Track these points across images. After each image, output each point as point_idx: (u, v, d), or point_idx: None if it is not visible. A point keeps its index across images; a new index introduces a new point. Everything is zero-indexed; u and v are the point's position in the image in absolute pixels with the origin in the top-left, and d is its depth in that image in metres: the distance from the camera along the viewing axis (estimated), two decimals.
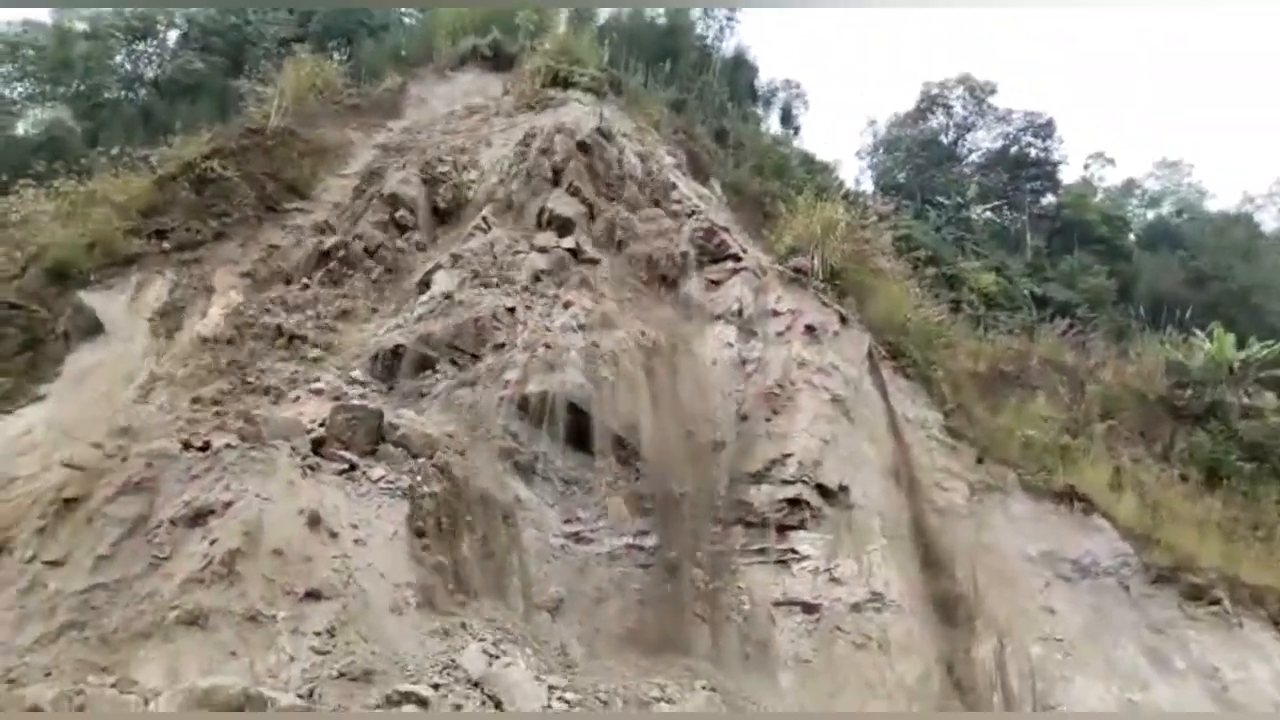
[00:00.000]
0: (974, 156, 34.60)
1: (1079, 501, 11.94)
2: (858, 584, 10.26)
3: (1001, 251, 28.21)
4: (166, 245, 12.91)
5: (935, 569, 11.02)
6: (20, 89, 30.07)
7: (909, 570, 10.83)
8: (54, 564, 7.58)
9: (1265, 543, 13.67)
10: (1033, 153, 33.67)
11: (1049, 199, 33.76)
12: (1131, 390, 17.73)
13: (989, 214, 30.03)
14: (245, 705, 5.96)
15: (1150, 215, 40.43)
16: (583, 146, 14.41)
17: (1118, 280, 28.46)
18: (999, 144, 34.13)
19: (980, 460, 12.56)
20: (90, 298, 11.79)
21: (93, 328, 11.65)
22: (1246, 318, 25.73)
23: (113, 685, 6.19)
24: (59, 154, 19.88)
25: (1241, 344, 18.40)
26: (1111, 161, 39.88)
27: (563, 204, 13.45)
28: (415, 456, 9.24)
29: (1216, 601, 10.82)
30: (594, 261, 12.84)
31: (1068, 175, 36.16)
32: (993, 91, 33.91)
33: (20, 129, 28.07)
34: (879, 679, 9.47)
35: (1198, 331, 19.46)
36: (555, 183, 13.91)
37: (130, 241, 12.84)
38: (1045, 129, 33.51)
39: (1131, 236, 35.27)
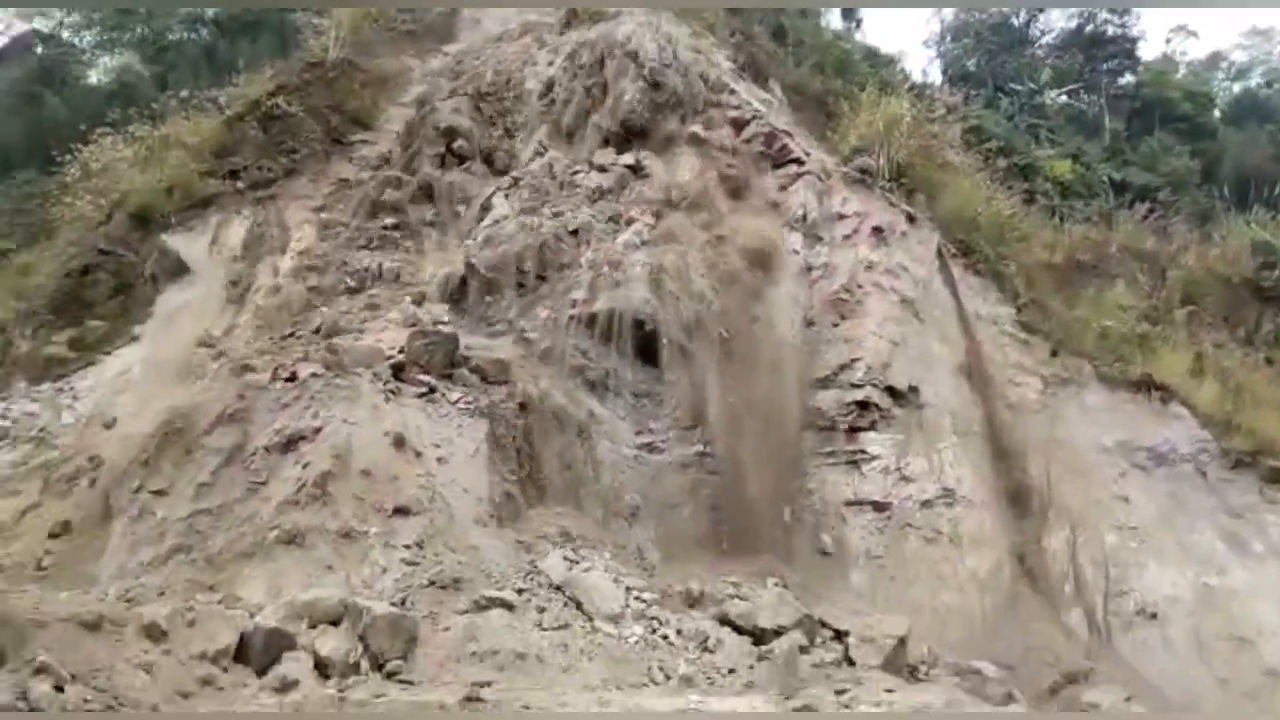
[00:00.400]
0: (1047, 38, 32.76)
1: (1156, 390, 11.69)
2: (928, 481, 10.38)
3: (1079, 137, 26.93)
4: (240, 185, 13.39)
5: (1008, 463, 11.04)
6: (88, 37, 30.77)
7: (981, 466, 10.88)
8: (159, 493, 8.19)
9: None
10: (1109, 30, 31.72)
11: (1128, 79, 31.92)
12: (1215, 274, 17.03)
13: (1064, 98, 28.56)
14: (344, 615, 6.42)
15: (1237, 88, 38.02)
16: (634, 57, 14.17)
17: (1202, 160, 27.04)
18: (1073, 23, 32.17)
19: (1055, 353, 12.36)
20: (173, 240, 12.35)
21: (178, 269, 12.24)
22: None
23: (219, 601, 6.71)
24: (131, 100, 20.39)
25: None
26: (1195, 34, 37.47)
27: (617, 120, 13.35)
28: (489, 381, 9.58)
29: None
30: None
31: (1148, 52, 34.11)
32: None
33: (93, 78, 28.88)
34: (950, 572, 9.67)
35: None
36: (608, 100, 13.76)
37: (206, 183, 13.35)
38: (1121, 4, 31.56)
39: (1217, 113, 33.23)
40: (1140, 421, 11.39)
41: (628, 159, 12.97)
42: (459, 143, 13.84)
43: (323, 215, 13.25)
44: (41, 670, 4.57)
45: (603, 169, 12.76)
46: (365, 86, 15.48)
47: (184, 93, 16.87)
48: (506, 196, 12.36)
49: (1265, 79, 39.10)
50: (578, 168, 12.85)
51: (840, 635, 8.06)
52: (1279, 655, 9.41)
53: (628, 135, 13.30)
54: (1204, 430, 11.17)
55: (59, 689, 4.53)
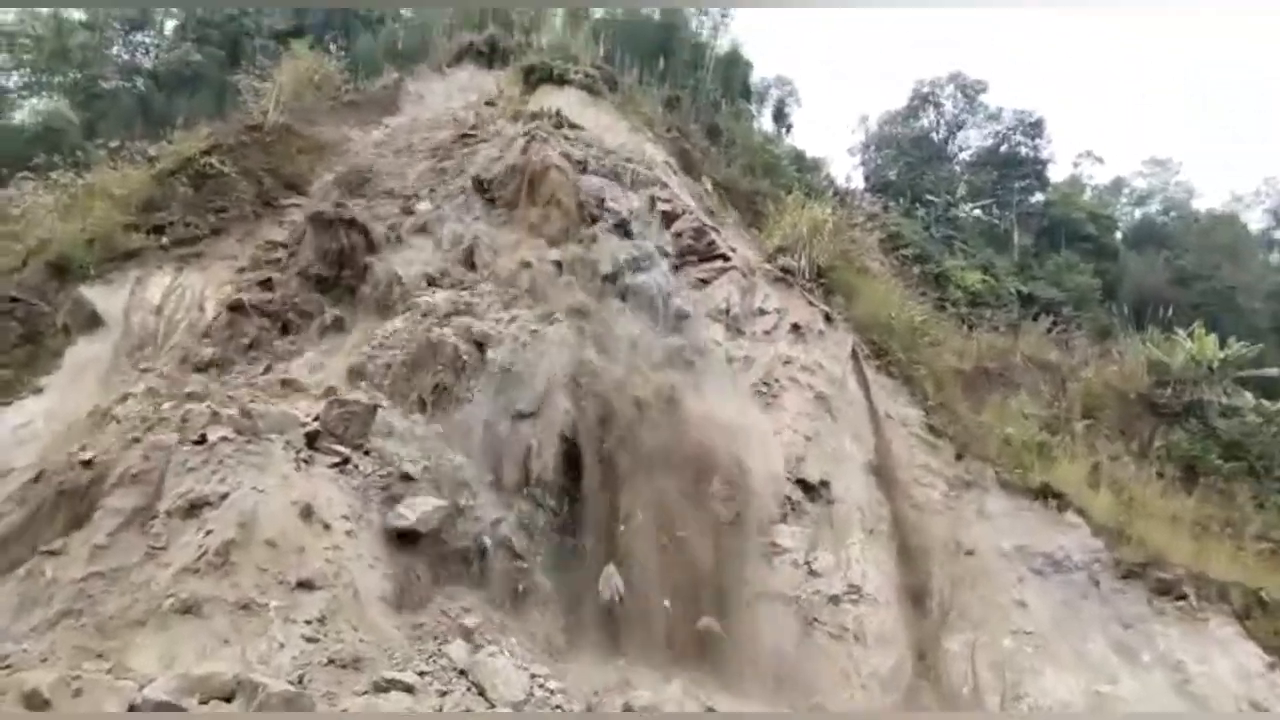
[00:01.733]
0: (964, 155, 34.92)
1: (1053, 498, 12.23)
2: (836, 577, 10.57)
3: (990, 250, 28.49)
4: (165, 241, 13.13)
5: (911, 563, 11.31)
6: (16, 78, 30.18)
7: (886, 564, 11.13)
8: (51, 553, 7.83)
9: (1236, 539, 14.02)
10: (1022, 151, 33.95)
11: (1038, 197, 34.05)
12: (1113, 388, 18.01)
13: (978, 212, 30.23)
14: (237, 691, 6.20)
15: (1138, 214, 40.74)
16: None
17: (1104, 279, 28.80)
18: (989, 142, 34.41)
19: (959, 457, 12.84)
20: (90, 292, 12.00)
21: (91, 322, 11.88)
22: (1230, 317, 26.08)
23: (108, 671, 6.41)
24: (56, 145, 20.01)
25: (1224, 344, 18.69)
26: (1100, 160, 40.36)
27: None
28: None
29: (1183, 597, 11.09)
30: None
31: (1057, 174, 36.51)
32: (983, 90, 34.25)
33: (17, 118, 28.24)
34: (853, 669, 9.78)
35: (1180, 331, 19.71)
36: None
37: (130, 236, 13.07)
38: (1035, 128, 33.79)
39: (1119, 235, 35.59)
40: (1037, 528, 11.85)
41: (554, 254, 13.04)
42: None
43: (246, 275, 13.10)
44: None
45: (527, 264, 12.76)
46: (302, 152, 15.50)
47: (114, 143, 16.61)
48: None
49: (1163, 206, 42.02)
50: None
51: None
52: None
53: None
54: (1097, 539, 11.67)
55: None
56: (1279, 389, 18.97)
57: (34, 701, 5.36)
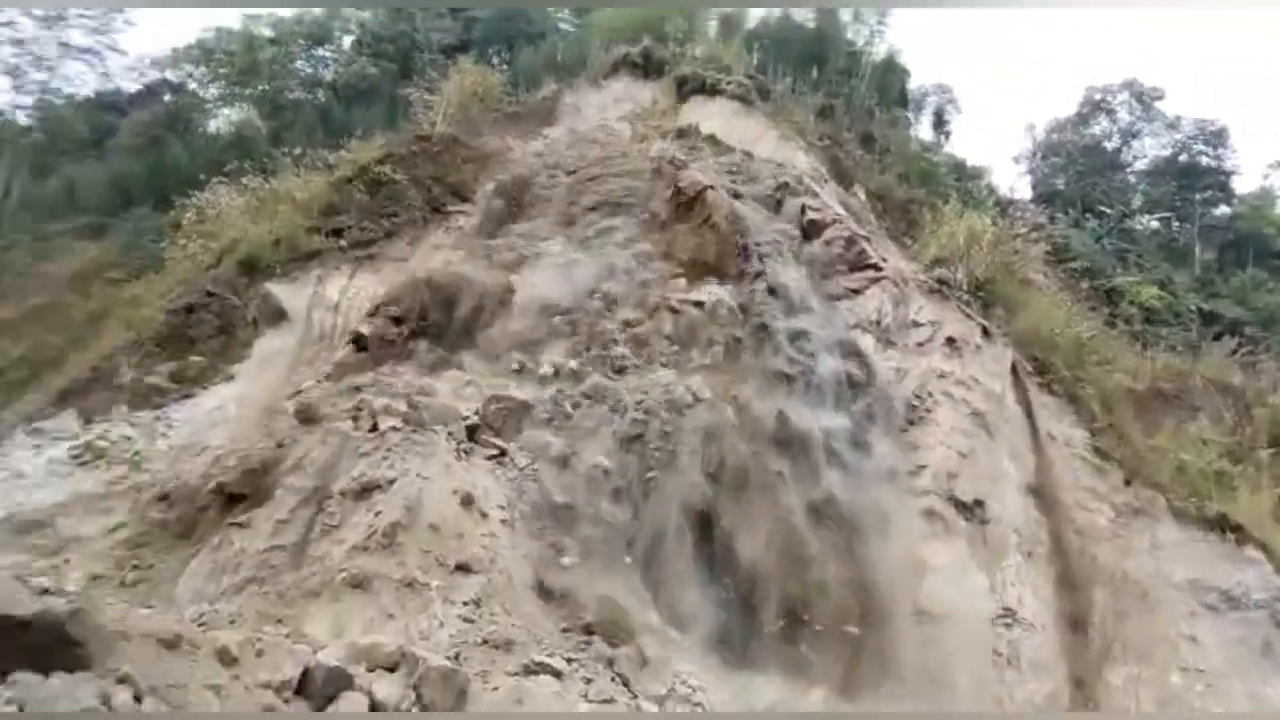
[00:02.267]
0: (1139, 164, 32.89)
1: (1232, 530, 11.39)
2: (989, 599, 10.19)
3: (1168, 265, 26.74)
4: (343, 243, 14.12)
5: (1072, 589, 10.78)
6: (213, 90, 32.95)
7: (1043, 589, 10.65)
8: (239, 525, 8.55)
9: None
10: (1204, 161, 31.67)
11: (1222, 210, 31.68)
12: None
13: (1155, 224, 28.46)
14: (400, 662, 6.59)
15: None
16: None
17: None
18: (1167, 152, 32.25)
19: (1128, 482, 12.15)
20: (276, 288, 13.01)
21: (278, 316, 12.88)
22: None
23: (287, 635, 6.94)
24: (247, 152, 21.80)
25: None
26: None
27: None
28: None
29: None
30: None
31: (1244, 185, 33.87)
32: (1160, 97, 32.21)
33: (213, 127, 30.85)
34: (1006, 695, 9.41)
35: None
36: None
37: (311, 238, 14.13)
38: (1217, 136, 31.49)
39: None
40: (1213, 561, 11.09)
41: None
42: None
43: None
44: (123, 680, 4.83)
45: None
46: (467, 161, 16.32)
47: (297, 150, 17.91)
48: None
49: None
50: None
51: None
52: None
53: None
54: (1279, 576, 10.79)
55: (138, 699, 4.78)
56: None
57: (224, 658, 5.85)
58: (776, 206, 14.30)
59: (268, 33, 32.13)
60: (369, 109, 26.59)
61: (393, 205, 15.09)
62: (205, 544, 8.45)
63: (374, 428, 9.04)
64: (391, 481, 8.48)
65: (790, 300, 12.26)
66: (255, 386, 11.62)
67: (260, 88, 31.26)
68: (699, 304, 12.04)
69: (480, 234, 14.39)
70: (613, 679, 7.61)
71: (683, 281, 12.54)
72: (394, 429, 9.00)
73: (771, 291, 12.31)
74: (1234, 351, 19.17)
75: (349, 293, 13.16)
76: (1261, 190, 35.56)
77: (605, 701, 7.35)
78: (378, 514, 8.15)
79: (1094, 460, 12.26)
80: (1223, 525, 11.54)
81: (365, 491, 8.46)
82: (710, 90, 19.69)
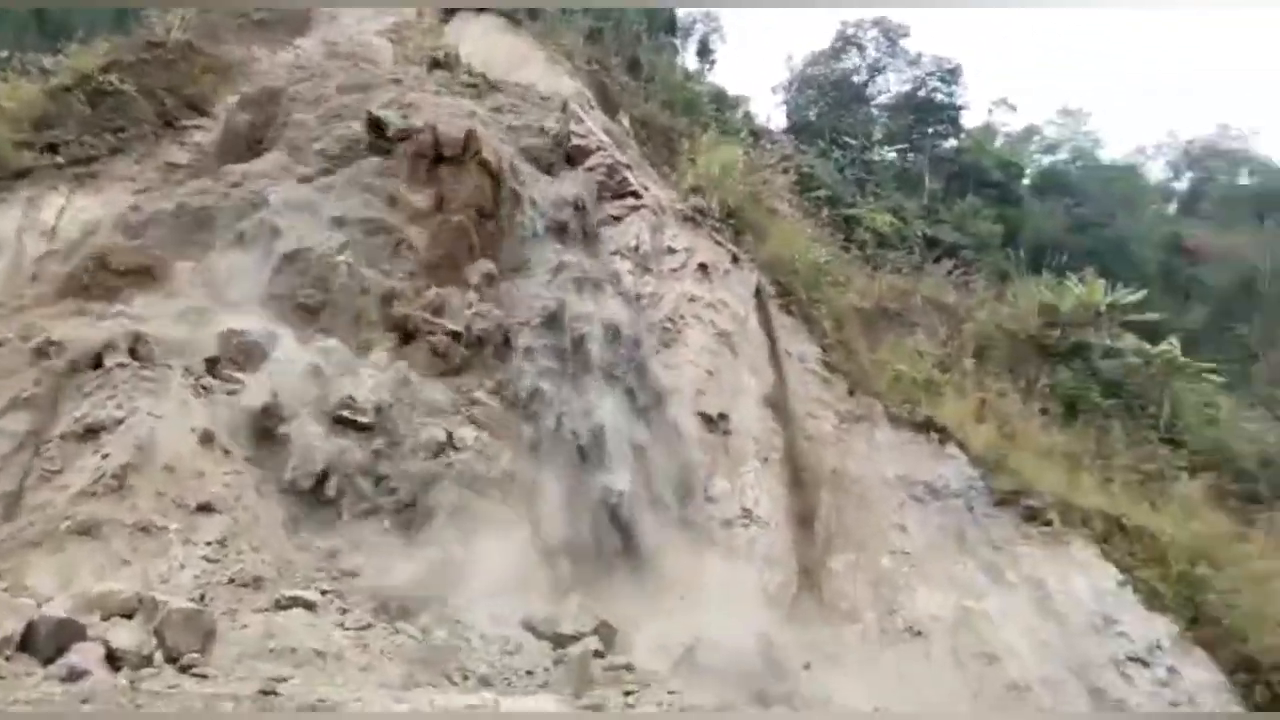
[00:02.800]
0: (883, 98, 35.36)
1: (936, 432, 13.00)
2: (730, 502, 11.16)
3: (901, 193, 29.18)
4: (60, 160, 12.71)
5: (802, 490, 11.99)
6: None
7: (777, 490, 11.78)
8: None
9: (1106, 471, 15.14)
10: (938, 97, 34.54)
11: (951, 143, 34.86)
12: (1005, 329, 18.92)
13: (892, 156, 30.88)
14: (138, 609, 6.40)
15: (1046, 161, 42.06)
16: None
17: (1007, 224, 29.82)
18: (907, 87, 34.87)
19: (852, 392, 13.49)
20: None
21: None
22: (1122, 264, 27.34)
23: (4, 589, 6.52)
24: None
25: (1113, 289, 19.74)
26: (1014, 108, 41.17)
27: None
28: None
29: (1049, 522, 12.03)
30: None
31: (972, 120, 37.34)
32: (905, 34, 34.55)
33: None
34: (741, 585, 10.41)
35: (1072, 276, 20.68)
36: None
37: (21, 154, 12.61)
38: (952, 74, 34.34)
39: (1026, 181, 36.75)
40: (920, 459, 12.62)
41: None
42: None
43: (145, 196, 12.82)
44: None
45: None
46: (206, 72, 15.01)
47: (3, 53, 15.84)
48: None
49: (1071, 155, 43.46)
50: None
51: None
52: (1021, 672, 10.64)
53: None
54: (974, 470, 12.50)
55: None
56: (1160, 333, 20.16)
57: None
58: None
59: None
60: (93, 9, 23.75)
61: (119, 118, 13.63)
62: None
63: (97, 364, 8.45)
64: (119, 421, 8.00)
65: None
66: None
67: None
68: None
69: (222, 152, 13.46)
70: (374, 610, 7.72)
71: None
72: (120, 365, 8.44)
73: None
74: (950, 272, 21.46)
75: (65, 216, 11.96)
76: (985, 125, 39.46)
77: (363, 628, 7.48)
78: (105, 456, 7.70)
79: (823, 373, 13.50)
80: (930, 427, 13.13)
81: (90, 433, 7.95)
82: (477, 7, 19.17)
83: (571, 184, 12.89)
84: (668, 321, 12.59)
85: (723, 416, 11.91)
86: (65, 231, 11.87)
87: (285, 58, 16.64)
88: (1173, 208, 43.26)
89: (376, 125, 12.08)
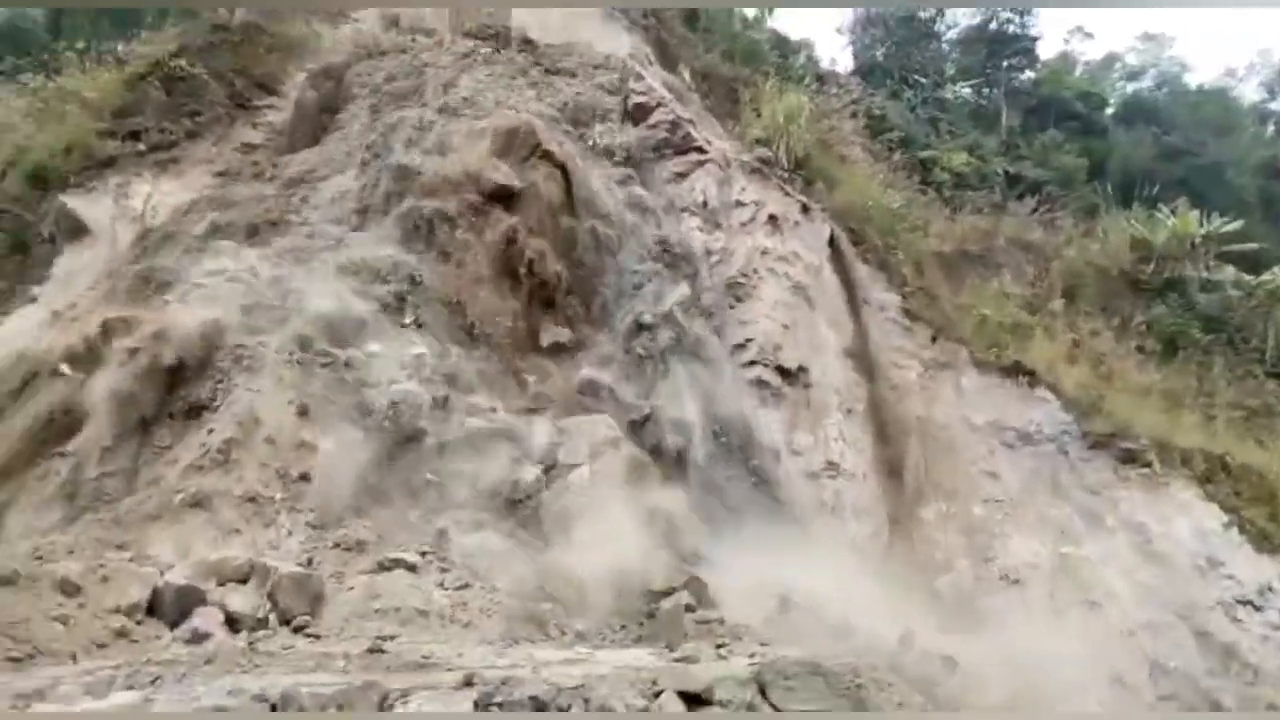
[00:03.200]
0: (952, 34, 34.12)
1: (1025, 375, 12.66)
2: (814, 455, 11.08)
3: (977, 131, 28.20)
4: (141, 146, 13.17)
5: (888, 440, 11.83)
6: None
7: (863, 441, 11.64)
8: (62, 455, 8.23)
9: (1207, 408, 14.59)
10: (1011, 29, 33.13)
11: (1027, 75, 33.51)
12: (1096, 266, 18.34)
13: (965, 91, 29.81)
14: (251, 574, 6.68)
15: (1130, 89, 40.18)
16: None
17: (1092, 157, 28.62)
18: (977, 20, 33.57)
19: (934, 339, 13.21)
20: (73, 201, 12.10)
21: (78, 229, 12.02)
22: (1218, 193, 26.07)
23: (130, 560, 6.88)
24: (21, 45, 19.68)
25: (1208, 219, 18.90)
26: (1091, 36, 39.50)
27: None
28: None
29: (1147, 464, 11.67)
30: None
31: (1047, 51, 35.80)
32: None
33: None
34: (830, 537, 10.36)
35: (1164, 208, 19.85)
36: None
37: (106, 143, 13.12)
38: (1022, 4, 33.02)
39: (1109, 112, 35.15)
40: (1009, 404, 12.33)
41: None
42: None
43: (225, 178, 13.19)
44: None
45: None
46: (271, 51, 15.34)
47: (81, 44, 16.35)
48: None
49: (1155, 82, 41.44)
50: None
51: None
52: (1123, 617, 10.40)
53: None
54: (1067, 413, 12.16)
55: None
56: (1262, 263, 19.25)
57: (67, 589, 5.81)
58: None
59: None
60: None
61: (193, 102, 14.03)
62: (28, 475, 8.12)
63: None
64: (222, 398, 8.32)
65: None
66: (60, 307, 10.93)
67: None
68: None
69: (294, 131, 13.77)
70: (466, 569, 7.91)
71: None
72: (217, 346, 8.75)
73: None
74: (1034, 210, 20.76)
75: (152, 200, 12.37)
76: (1061, 55, 37.80)
77: (461, 588, 7.67)
78: (210, 432, 8.03)
79: (904, 321, 13.23)
80: (1018, 371, 12.79)
81: (194, 411, 8.28)
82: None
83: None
84: (740, 276, 12.45)
85: (802, 369, 11.78)
86: (152, 215, 12.30)
87: (345, 32, 16.82)
88: (1270, 129, 40.89)
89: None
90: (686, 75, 17.33)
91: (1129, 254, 18.76)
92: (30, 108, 14.33)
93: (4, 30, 23.63)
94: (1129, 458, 11.80)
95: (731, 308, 12.13)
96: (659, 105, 14.12)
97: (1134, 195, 22.61)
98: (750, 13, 28.06)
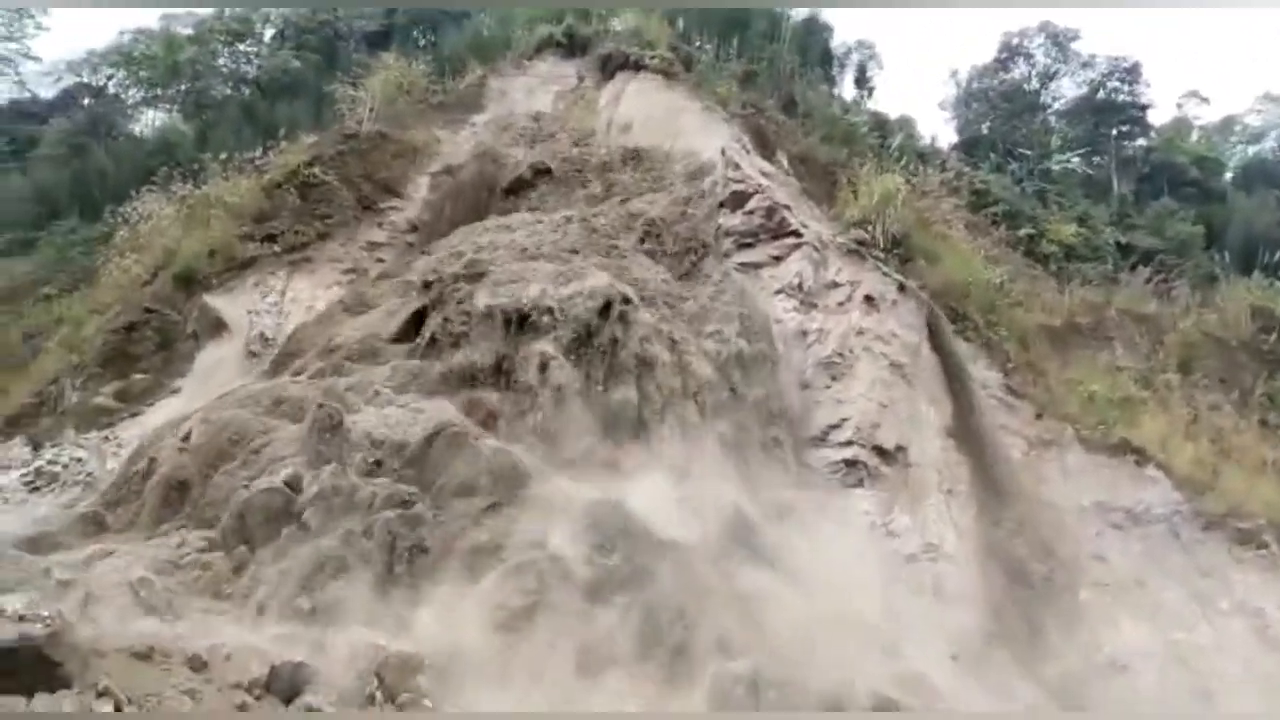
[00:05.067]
0: (1058, 105, 33.62)
1: (1133, 453, 12.31)
2: (912, 537, 11.00)
3: (1087, 200, 27.62)
4: (277, 248, 14.43)
5: (990, 522, 11.63)
6: (134, 93, 32.42)
7: (965, 523, 11.49)
8: None
9: None
10: (1119, 97, 32.59)
11: (1139, 143, 32.75)
12: (1213, 337, 17.64)
13: (1075, 161, 29.25)
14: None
15: (1251, 152, 38.64)
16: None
17: (1209, 223, 27.61)
18: (1084, 90, 33.07)
19: (1039, 416, 13.01)
20: (215, 300, 13.31)
21: (218, 327, 13.21)
22: None
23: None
24: (173, 156, 21.72)
25: None
26: (1206, 100, 38.21)
27: None
28: None
29: (1264, 545, 11.13)
30: None
31: (1160, 117, 34.93)
32: (1075, 38, 32.87)
33: (136, 130, 30.45)
34: (930, 624, 10.20)
35: None
36: None
37: (246, 246, 14.41)
38: (1131, 72, 32.32)
39: (1228, 176, 33.93)
40: (1117, 483, 12.00)
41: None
42: None
43: (353, 274, 14.31)
44: (103, 694, 5.34)
45: None
46: (396, 157, 16.59)
47: (224, 154, 18.01)
48: None
49: (1278, 143, 39.74)
50: None
51: None
52: (1241, 705, 9.87)
53: None
54: (1178, 492, 11.75)
55: (118, 709, 5.30)
56: None
57: (195, 665, 6.35)
58: None
59: (187, 31, 31.59)
60: (294, 103, 26.49)
61: (324, 206, 15.37)
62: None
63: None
64: None
65: None
66: (200, 399, 11.96)
67: (182, 87, 30.87)
68: None
69: (424, 230, 14.95)
70: None
71: None
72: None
73: None
74: (1149, 280, 20.18)
75: (288, 297, 13.48)
76: (1174, 121, 36.78)
77: None
78: None
79: (1007, 399, 13.09)
80: (1126, 448, 12.45)
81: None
82: (634, 66, 20.05)
83: None
84: (836, 356, 12.62)
85: (900, 449, 11.78)
86: (286, 310, 13.41)
87: (463, 135, 18.06)
88: None
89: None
90: (785, 160, 17.76)
91: (1249, 324, 17.95)
92: (177, 214, 15.88)
93: (157, 144, 26.17)
94: (1245, 538, 11.30)
95: (827, 387, 12.28)
96: (756, 191, 14.57)
97: (1255, 262, 21.70)
98: (850, 94, 28.60)
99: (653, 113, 17.87)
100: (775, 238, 13.97)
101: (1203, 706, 9.80)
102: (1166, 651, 10.28)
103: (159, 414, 12.20)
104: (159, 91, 31.73)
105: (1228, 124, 39.88)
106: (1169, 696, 9.91)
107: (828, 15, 30.04)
